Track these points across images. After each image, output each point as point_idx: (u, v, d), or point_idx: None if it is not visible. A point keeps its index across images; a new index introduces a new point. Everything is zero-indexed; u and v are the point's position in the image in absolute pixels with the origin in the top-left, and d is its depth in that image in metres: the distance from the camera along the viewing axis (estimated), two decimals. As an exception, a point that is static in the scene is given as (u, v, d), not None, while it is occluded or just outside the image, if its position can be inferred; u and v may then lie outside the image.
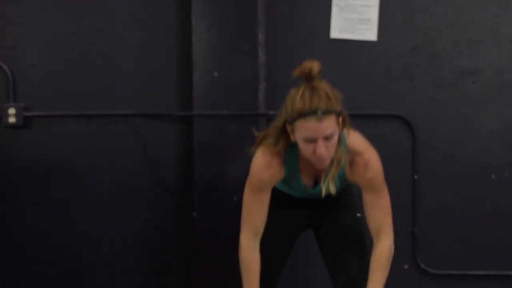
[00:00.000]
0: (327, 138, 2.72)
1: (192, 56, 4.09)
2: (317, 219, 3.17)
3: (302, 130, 2.72)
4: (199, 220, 4.13)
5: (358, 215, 3.15)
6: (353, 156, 2.90)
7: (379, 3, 4.12)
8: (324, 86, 2.75)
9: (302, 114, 2.70)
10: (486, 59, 4.15)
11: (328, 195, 2.95)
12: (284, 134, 2.83)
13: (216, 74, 4.09)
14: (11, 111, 4.14)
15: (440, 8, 4.15)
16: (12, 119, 4.14)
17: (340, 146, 2.82)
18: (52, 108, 4.19)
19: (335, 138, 2.76)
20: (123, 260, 4.27)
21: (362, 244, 3.13)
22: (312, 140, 2.72)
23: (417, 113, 4.16)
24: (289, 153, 2.91)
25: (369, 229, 3.00)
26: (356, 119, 4.11)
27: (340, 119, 2.78)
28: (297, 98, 2.72)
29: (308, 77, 2.75)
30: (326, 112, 2.69)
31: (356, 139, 2.92)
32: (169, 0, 4.18)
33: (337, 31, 4.12)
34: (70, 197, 4.24)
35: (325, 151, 2.73)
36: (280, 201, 3.12)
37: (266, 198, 2.96)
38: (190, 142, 4.14)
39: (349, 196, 3.18)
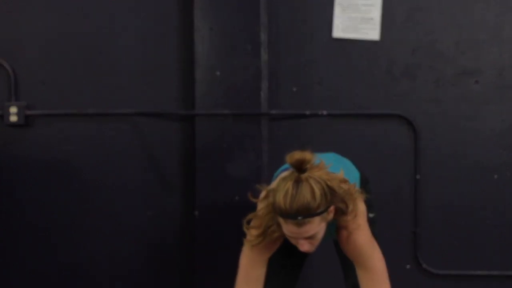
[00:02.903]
0: (310, 237, 2.67)
1: (194, 55, 4.10)
2: None
3: (284, 227, 2.67)
4: (200, 219, 4.13)
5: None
6: (341, 228, 2.83)
7: (381, 2, 4.13)
8: (313, 181, 2.62)
9: (283, 215, 2.62)
10: (487, 59, 4.15)
11: None
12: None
13: (218, 73, 4.09)
14: (13, 109, 4.14)
15: (442, 8, 4.15)
16: (13, 118, 4.14)
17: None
18: (54, 107, 4.19)
19: (320, 234, 2.70)
20: (124, 259, 4.27)
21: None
22: (295, 237, 2.69)
23: (419, 113, 4.16)
24: None
25: None
26: (358, 118, 4.17)
27: (331, 209, 2.68)
28: (280, 194, 2.61)
29: (298, 169, 2.63)
30: (307, 217, 2.60)
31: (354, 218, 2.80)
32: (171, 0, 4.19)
33: (339, 31, 4.12)
34: (71, 196, 4.24)
35: (308, 247, 2.69)
36: None
37: (264, 267, 2.91)
38: (192, 141, 4.15)
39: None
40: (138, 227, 4.26)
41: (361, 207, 2.86)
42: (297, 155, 2.62)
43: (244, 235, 2.90)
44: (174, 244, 4.27)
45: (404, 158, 4.17)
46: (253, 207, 3.14)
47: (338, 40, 4.15)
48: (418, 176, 4.17)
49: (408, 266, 4.19)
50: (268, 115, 4.12)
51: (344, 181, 2.76)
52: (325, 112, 4.15)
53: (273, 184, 2.76)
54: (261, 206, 2.81)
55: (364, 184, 3.15)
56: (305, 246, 2.69)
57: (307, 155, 2.62)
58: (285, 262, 3.11)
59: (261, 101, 4.10)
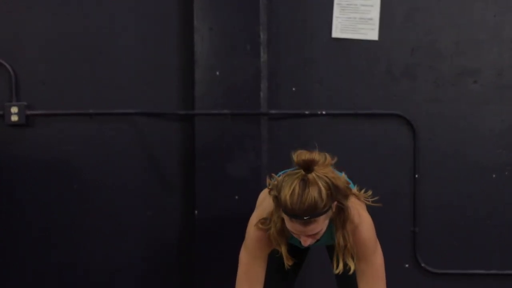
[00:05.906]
0: (314, 234, 2.66)
1: (194, 55, 4.09)
2: None
3: (288, 223, 2.65)
4: (200, 218, 4.13)
5: None
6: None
7: (380, 2, 4.13)
8: (320, 180, 2.58)
9: (288, 214, 2.59)
10: (487, 59, 4.15)
11: None
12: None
13: (218, 73, 4.09)
14: (14, 109, 4.14)
15: (441, 8, 4.15)
16: (14, 118, 4.14)
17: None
18: (54, 107, 4.19)
19: (323, 230, 2.68)
20: (124, 258, 4.27)
21: None
22: (298, 234, 2.67)
23: (418, 113, 4.16)
24: None
25: None
26: (358, 118, 4.17)
27: (333, 205, 2.67)
28: (286, 192, 2.57)
29: (305, 169, 2.58)
30: (314, 216, 2.58)
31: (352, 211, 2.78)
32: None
33: (338, 31, 4.12)
34: (71, 196, 4.24)
35: (310, 242, 2.68)
36: None
37: (264, 263, 2.88)
38: (192, 141, 4.14)
39: None
40: (138, 227, 4.26)
41: (363, 203, 2.87)
42: (304, 155, 2.59)
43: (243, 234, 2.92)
44: (174, 244, 4.27)
45: (403, 158, 4.18)
46: (253, 208, 3.15)
47: (337, 40, 4.15)
48: (417, 176, 4.17)
49: (406, 265, 4.20)
50: (267, 115, 4.13)
51: (346, 183, 2.75)
52: (324, 112, 4.16)
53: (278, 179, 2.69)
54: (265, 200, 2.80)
55: None
56: (307, 242, 2.68)
57: (315, 155, 2.60)
58: (281, 267, 3.04)
59: (261, 101, 4.10)
